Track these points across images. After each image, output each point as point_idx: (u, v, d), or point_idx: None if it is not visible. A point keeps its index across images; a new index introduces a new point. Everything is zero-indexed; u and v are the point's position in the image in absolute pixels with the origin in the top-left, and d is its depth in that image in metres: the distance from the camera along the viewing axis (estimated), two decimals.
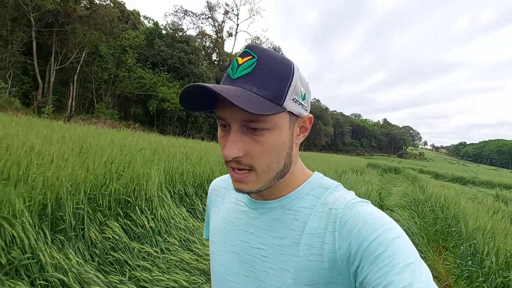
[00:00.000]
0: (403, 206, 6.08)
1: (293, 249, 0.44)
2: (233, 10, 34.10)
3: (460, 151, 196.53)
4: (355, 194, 0.47)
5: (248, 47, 0.43)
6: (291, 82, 0.42)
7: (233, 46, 35.96)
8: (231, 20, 34.75)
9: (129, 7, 23.24)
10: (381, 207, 5.60)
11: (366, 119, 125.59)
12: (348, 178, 7.38)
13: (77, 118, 17.96)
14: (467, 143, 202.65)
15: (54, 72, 18.01)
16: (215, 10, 33.71)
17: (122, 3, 24.29)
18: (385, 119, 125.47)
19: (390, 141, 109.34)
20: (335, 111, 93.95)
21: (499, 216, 3.80)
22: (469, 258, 2.73)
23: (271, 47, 37.96)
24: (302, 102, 0.45)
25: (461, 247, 3.04)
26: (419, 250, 3.49)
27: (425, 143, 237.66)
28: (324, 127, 58.88)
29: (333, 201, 0.45)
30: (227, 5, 33.85)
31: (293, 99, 0.43)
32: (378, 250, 0.35)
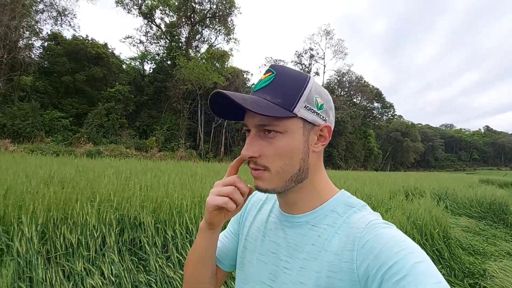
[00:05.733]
0: None
1: (313, 264, 0.46)
2: (318, 54, 39.40)
3: None
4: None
5: (271, 65, 0.50)
6: (303, 92, 0.47)
7: (322, 84, 40.86)
8: (318, 62, 39.98)
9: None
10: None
11: (461, 129, 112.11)
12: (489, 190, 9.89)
13: (224, 159, 24.82)
14: None
15: (213, 129, 25.63)
16: (302, 56, 39.65)
17: (237, 68, 31.85)
18: (487, 126, 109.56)
19: (498, 151, 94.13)
20: (420, 124, 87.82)
21: None
22: None
23: (354, 78, 41.34)
24: (318, 112, 0.49)
25: None
26: None
27: None
28: (412, 143, 56.64)
29: (355, 221, 0.46)
30: (311, 49, 39.28)
31: (305, 107, 0.47)
32: (399, 275, 0.35)
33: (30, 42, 22.20)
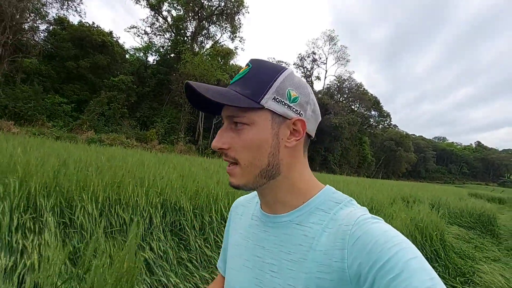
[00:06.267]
0: (511, 222, 9.29)
1: (302, 265, 0.44)
2: (320, 58, 39.92)
3: None
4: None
5: (250, 59, 0.50)
6: (273, 84, 0.46)
7: (323, 88, 41.37)
8: (319, 67, 40.48)
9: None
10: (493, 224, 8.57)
11: (453, 143, 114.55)
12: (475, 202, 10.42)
13: None
14: None
15: (213, 125, 25.84)
16: (305, 60, 40.09)
17: (241, 67, 32.13)
18: (478, 142, 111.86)
19: (487, 167, 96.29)
20: (414, 134, 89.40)
21: None
22: None
23: (353, 85, 41.97)
24: (290, 104, 0.47)
25: None
26: None
27: None
28: (405, 153, 57.70)
29: (343, 217, 0.45)
30: (314, 53, 39.75)
31: (274, 98, 0.46)
32: (393, 272, 0.34)
33: (35, 25, 22.08)
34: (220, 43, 29.38)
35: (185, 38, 28.73)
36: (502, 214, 13.12)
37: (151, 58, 30.75)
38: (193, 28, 28.69)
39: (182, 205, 2.76)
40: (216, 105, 0.48)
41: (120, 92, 23.43)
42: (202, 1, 27.37)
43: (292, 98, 0.47)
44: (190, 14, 28.17)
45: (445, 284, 3.43)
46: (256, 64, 0.48)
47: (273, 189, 0.50)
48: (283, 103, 0.46)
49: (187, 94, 0.48)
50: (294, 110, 0.47)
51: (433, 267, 3.40)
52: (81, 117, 20.30)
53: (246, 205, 0.64)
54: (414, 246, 0.38)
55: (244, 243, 0.56)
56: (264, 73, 0.47)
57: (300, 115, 0.48)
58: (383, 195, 6.47)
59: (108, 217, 2.43)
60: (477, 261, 4.65)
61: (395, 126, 69.72)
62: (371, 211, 4.67)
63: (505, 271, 3.14)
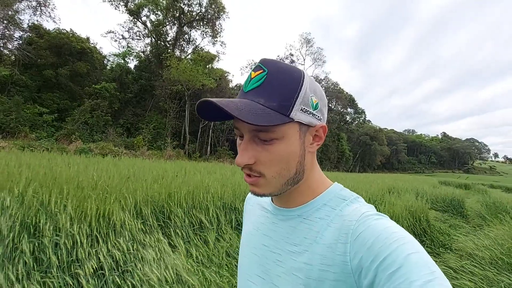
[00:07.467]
0: (476, 205, 10.86)
1: (305, 257, 0.46)
2: (298, 60, 41.35)
3: None
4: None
5: (260, 61, 0.46)
6: (298, 93, 0.44)
7: None
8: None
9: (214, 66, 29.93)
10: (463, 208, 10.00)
11: (421, 134, 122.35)
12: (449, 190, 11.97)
13: (210, 158, 25.53)
14: None
15: (200, 129, 26.20)
16: (283, 61, 41.14)
17: (225, 70, 32.52)
18: (444, 133, 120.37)
19: (453, 156, 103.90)
20: (386, 128, 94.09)
21: None
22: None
23: (330, 84, 43.88)
24: (314, 112, 0.46)
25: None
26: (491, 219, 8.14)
27: (496, 155, 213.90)
28: (380, 147, 60.90)
29: (348, 213, 0.46)
30: (291, 55, 41.11)
31: (301, 109, 0.44)
32: (394, 267, 0.35)
33: (9, 33, 21.24)
34: (202, 47, 29.72)
35: (166, 43, 28.76)
36: (468, 199, 14.51)
37: (132, 64, 30.44)
38: (173, 33, 28.80)
39: (236, 206, 3.53)
40: (228, 114, 0.43)
41: (103, 100, 23.14)
42: (183, 7, 27.58)
43: (314, 105, 0.47)
44: (170, 19, 28.26)
45: (431, 252, 4.56)
46: (272, 68, 0.45)
47: (292, 191, 0.52)
48: (308, 112, 0.46)
49: (198, 107, 0.44)
50: (316, 117, 0.48)
51: (423, 241, 4.45)
52: (64, 127, 19.93)
53: (259, 198, 0.66)
54: (416, 241, 0.38)
55: (253, 232, 0.59)
56: (286, 81, 0.44)
57: (321, 121, 0.49)
58: (375, 188, 7.55)
59: (188, 219, 3.15)
60: (452, 236, 5.80)
61: (369, 121, 73.19)
62: (370, 201, 5.65)
63: (475, 239, 4.20)
